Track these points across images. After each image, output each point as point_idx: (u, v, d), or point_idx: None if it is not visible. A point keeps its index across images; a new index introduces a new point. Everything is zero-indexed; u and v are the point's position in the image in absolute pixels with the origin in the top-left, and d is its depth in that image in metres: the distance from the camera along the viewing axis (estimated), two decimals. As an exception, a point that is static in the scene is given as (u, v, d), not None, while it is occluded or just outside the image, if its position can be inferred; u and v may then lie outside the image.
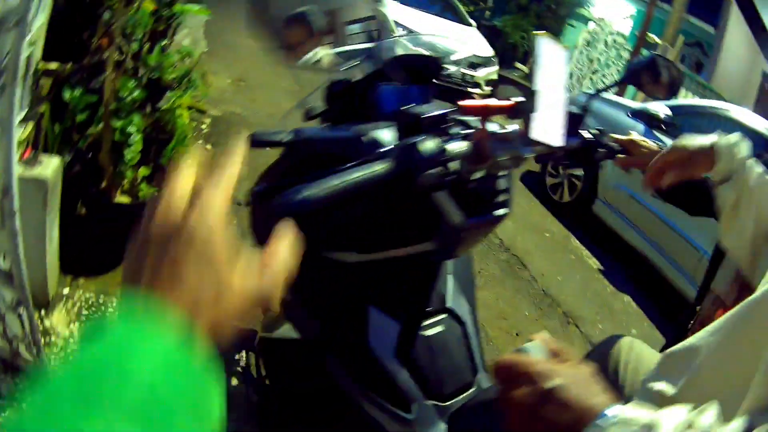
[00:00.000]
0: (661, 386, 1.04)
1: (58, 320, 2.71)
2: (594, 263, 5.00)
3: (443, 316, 1.58)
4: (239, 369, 2.70)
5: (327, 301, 1.60)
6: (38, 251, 2.56)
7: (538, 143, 1.27)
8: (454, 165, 1.22)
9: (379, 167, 1.07)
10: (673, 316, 4.50)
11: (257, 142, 1.54)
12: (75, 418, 0.42)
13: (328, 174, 1.02)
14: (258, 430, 2.39)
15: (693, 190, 1.65)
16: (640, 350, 1.60)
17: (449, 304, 1.60)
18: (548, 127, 1.31)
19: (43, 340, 2.54)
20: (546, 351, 0.83)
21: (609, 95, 6.15)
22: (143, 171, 3.25)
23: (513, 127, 1.31)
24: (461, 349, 1.58)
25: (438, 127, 1.30)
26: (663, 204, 1.88)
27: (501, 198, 1.43)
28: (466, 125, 1.39)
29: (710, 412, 0.70)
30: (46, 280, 2.68)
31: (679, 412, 0.69)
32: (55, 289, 2.84)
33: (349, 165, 1.06)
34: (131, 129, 2.99)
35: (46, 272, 2.65)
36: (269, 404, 2.54)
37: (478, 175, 1.34)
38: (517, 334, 3.76)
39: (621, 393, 1.49)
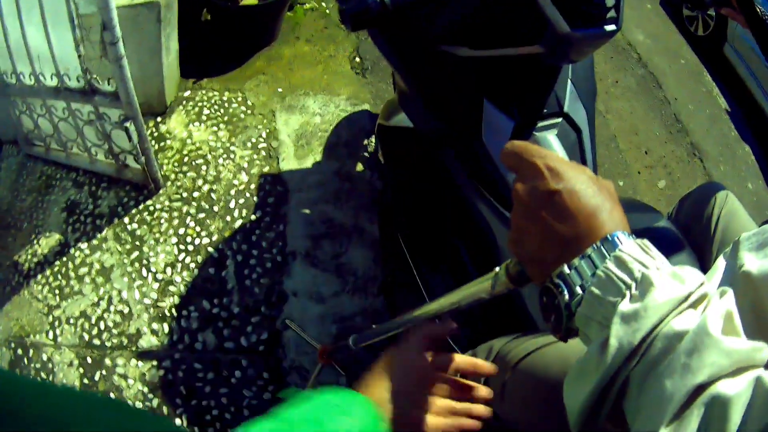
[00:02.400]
0: (752, 265, 0.88)
1: (176, 123, 2.84)
2: (723, 103, 4.77)
3: (558, 120, 1.59)
4: (366, 155, 2.88)
5: (443, 93, 1.63)
6: (154, 65, 2.72)
7: None
8: None
9: None
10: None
11: None
12: None
13: None
14: (376, 219, 2.62)
15: None
16: (735, 209, 1.57)
17: (566, 109, 1.61)
18: None
19: (157, 146, 2.73)
20: (563, 149, 0.74)
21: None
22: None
23: None
24: (575, 156, 1.58)
25: None
26: None
27: (610, 14, 1.41)
28: None
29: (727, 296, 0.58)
30: (163, 89, 2.83)
31: (692, 279, 0.57)
32: (174, 95, 2.98)
33: None
34: None
35: (162, 82, 2.79)
36: (384, 190, 2.73)
37: None
38: (646, 152, 3.70)
39: (710, 242, 1.52)
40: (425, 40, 1.59)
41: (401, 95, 1.89)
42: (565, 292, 0.60)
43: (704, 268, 1.46)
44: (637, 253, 0.59)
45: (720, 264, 0.96)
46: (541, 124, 1.54)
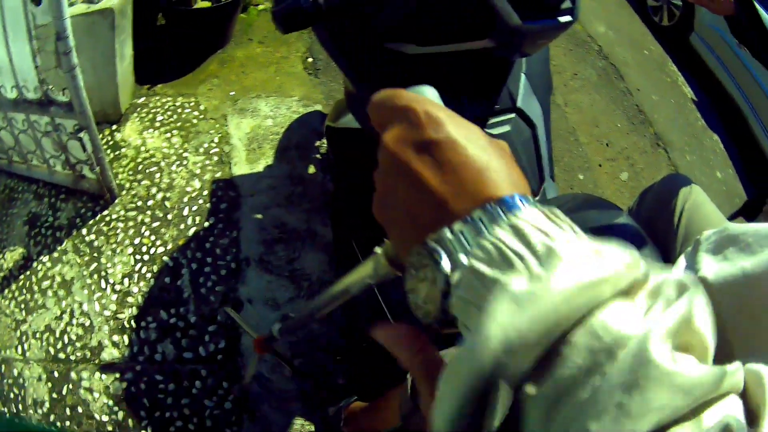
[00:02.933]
0: (708, 269, 0.77)
1: (131, 131, 2.89)
2: (688, 92, 4.84)
3: (511, 115, 1.57)
4: (318, 156, 2.94)
5: None
6: (108, 73, 2.78)
7: None
8: None
9: None
10: (755, 177, 4.39)
11: None
12: None
13: None
14: (328, 222, 2.65)
15: None
16: (700, 202, 1.52)
17: (519, 104, 1.59)
18: None
19: (112, 155, 2.78)
20: (442, 104, 0.55)
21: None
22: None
23: None
24: (528, 153, 1.57)
25: None
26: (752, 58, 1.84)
27: (565, 5, 1.40)
28: None
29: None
30: (117, 96, 2.88)
31: (622, 258, 0.40)
32: (129, 102, 3.03)
33: None
34: None
35: (117, 90, 2.85)
36: (337, 193, 2.73)
37: None
38: (607, 144, 3.75)
39: (674, 238, 1.47)
40: (369, 37, 1.57)
41: (348, 95, 1.87)
42: (445, 260, 0.43)
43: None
44: (541, 221, 0.42)
45: (680, 264, 0.88)
46: (492, 120, 1.54)
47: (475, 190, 0.46)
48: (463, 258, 0.43)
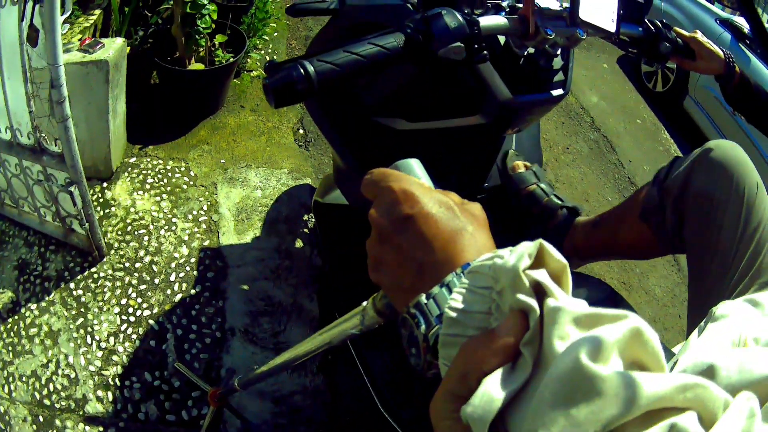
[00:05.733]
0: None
1: (121, 190, 3.10)
2: (682, 160, 5.04)
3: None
4: (306, 231, 3.14)
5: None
6: (101, 127, 2.96)
7: (588, 24, 1.30)
8: (501, 39, 1.30)
9: (393, 40, 1.07)
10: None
11: (298, 11, 1.61)
12: None
13: (345, 45, 1.04)
14: (315, 297, 2.80)
15: None
16: None
17: None
18: (599, 9, 1.33)
19: (102, 213, 2.98)
20: (426, 174, 0.71)
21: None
22: (219, 38, 3.49)
23: (565, 4, 1.33)
24: None
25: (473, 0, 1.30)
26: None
27: (557, 77, 1.46)
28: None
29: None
30: (109, 153, 3.07)
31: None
32: (120, 160, 3.24)
33: (366, 37, 1.07)
34: (203, 1, 3.21)
35: (109, 146, 3.03)
36: (324, 269, 2.85)
37: (530, 52, 1.39)
38: None
39: (735, 235, 1.44)
40: (359, 112, 1.62)
41: (337, 171, 1.95)
42: (422, 322, 0.56)
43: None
44: (488, 255, 0.54)
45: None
46: (480, 197, 1.60)
47: (447, 259, 0.58)
48: (435, 320, 0.55)
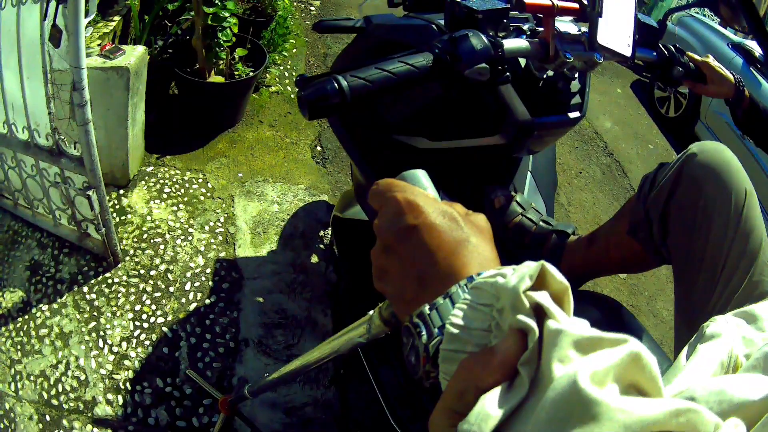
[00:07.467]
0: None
1: (138, 198, 3.20)
2: (692, 185, 5.10)
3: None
4: (321, 246, 3.22)
5: None
6: (119, 134, 3.05)
7: (605, 49, 1.36)
8: (522, 61, 1.36)
9: (422, 59, 1.11)
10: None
11: (325, 27, 1.69)
12: None
13: (376, 63, 1.08)
14: (329, 312, 2.85)
15: None
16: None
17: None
18: (616, 34, 1.39)
19: (118, 219, 3.07)
20: (432, 185, 0.72)
21: (712, 23, 6.15)
22: (240, 52, 3.61)
23: (584, 29, 1.40)
24: None
25: (498, 22, 1.35)
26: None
27: (574, 100, 1.53)
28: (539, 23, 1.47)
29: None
30: (127, 161, 3.16)
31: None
32: (138, 169, 3.33)
33: (395, 55, 1.11)
34: (225, 13, 3.31)
35: (127, 154, 3.12)
36: (339, 282, 2.90)
37: (549, 74, 1.45)
38: None
39: (727, 230, 1.44)
40: (382, 130, 1.69)
41: (357, 186, 2.00)
42: (424, 332, 0.57)
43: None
44: (491, 272, 0.55)
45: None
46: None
47: (450, 271, 0.59)
48: (437, 331, 0.56)
